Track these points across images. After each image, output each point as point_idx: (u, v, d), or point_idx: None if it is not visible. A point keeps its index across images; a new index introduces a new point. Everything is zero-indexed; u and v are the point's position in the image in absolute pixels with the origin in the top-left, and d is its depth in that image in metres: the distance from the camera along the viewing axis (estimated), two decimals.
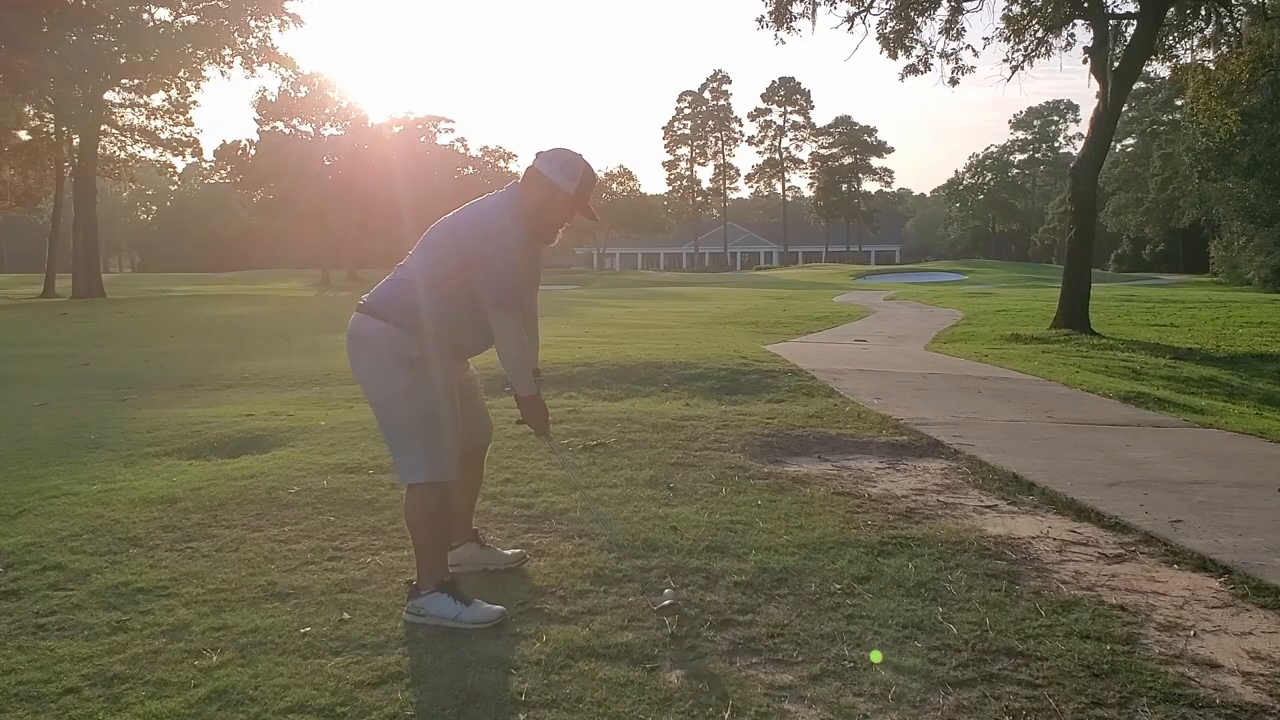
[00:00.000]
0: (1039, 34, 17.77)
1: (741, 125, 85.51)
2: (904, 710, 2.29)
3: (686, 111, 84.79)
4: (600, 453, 4.93)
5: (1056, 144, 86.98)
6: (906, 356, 10.73)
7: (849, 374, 8.29)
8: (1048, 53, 17.99)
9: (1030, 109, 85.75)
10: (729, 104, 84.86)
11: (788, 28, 17.70)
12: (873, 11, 17.66)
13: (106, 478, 4.59)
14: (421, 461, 2.85)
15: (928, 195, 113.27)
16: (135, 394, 7.71)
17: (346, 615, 2.86)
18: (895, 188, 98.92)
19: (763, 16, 17.77)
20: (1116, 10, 17.31)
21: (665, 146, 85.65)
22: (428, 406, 2.86)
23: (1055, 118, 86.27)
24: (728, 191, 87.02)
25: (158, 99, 34.62)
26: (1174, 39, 17.84)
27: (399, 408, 2.87)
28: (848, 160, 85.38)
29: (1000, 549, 3.47)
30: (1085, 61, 16.04)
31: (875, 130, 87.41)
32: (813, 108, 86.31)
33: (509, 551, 3.32)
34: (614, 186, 66.20)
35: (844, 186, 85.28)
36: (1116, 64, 15.48)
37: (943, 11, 17.66)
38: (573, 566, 3.23)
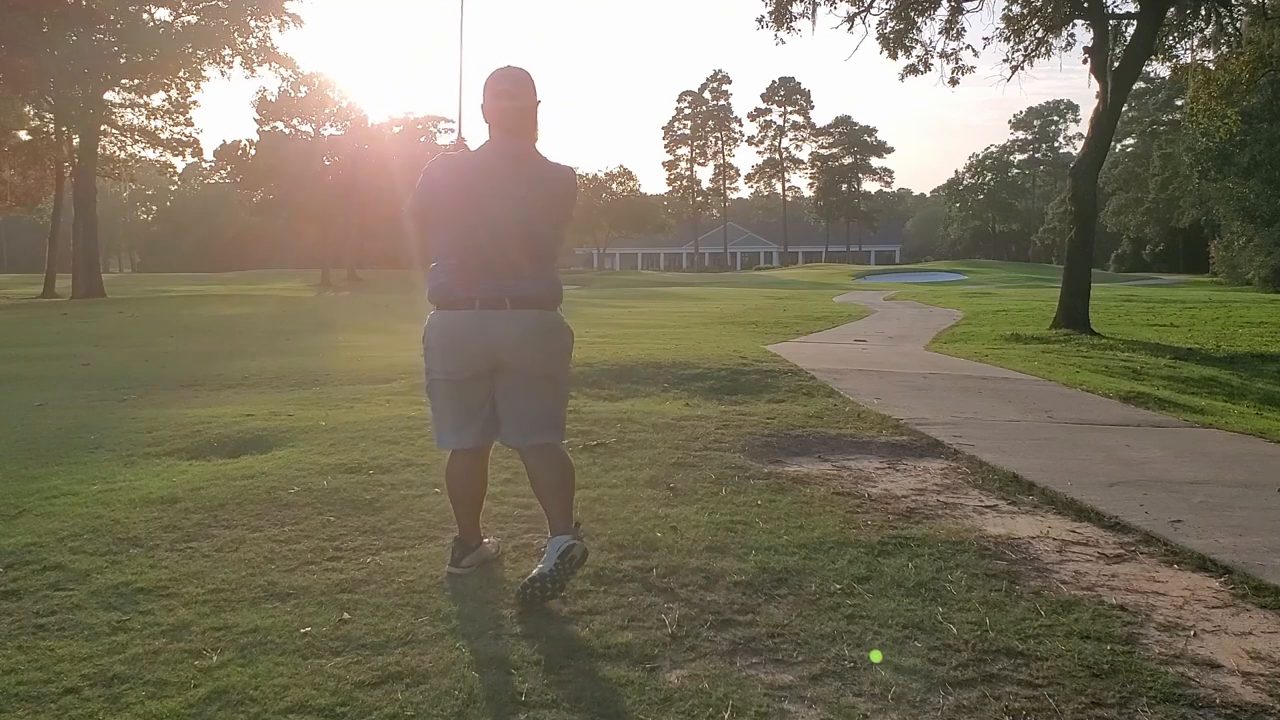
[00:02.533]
0: (1039, 34, 17.77)
1: (741, 125, 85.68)
2: (904, 710, 2.29)
3: (686, 111, 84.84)
4: (600, 453, 4.93)
5: (1056, 144, 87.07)
6: (906, 356, 10.73)
7: (849, 374, 8.29)
8: (1048, 53, 18.01)
9: (1030, 109, 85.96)
10: (729, 104, 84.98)
11: (788, 28, 17.72)
12: (873, 11, 17.67)
13: (106, 478, 4.58)
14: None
15: (928, 195, 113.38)
16: (135, 394, 7.71)
17: (346, 615, 2.85)
18: (895, 188, 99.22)
19: (763, 16, 17.78)
20: (1116, 10, 17.33)
21: (665, 146, 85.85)
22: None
23: (1055, 118, 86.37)
24: (728, 191, 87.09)
25: (158, 99, 34.60)
26: (1174, 39, 17.84)
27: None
28: (848, 160, 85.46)
29: (1000, 549, 3.47)
30: (1085, 61, 16.05)
31: (875, 130, 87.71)
32: (813, 108, 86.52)
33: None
34: (614, 186, 66.17)
35: (844, 186, 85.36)
36: (1116, 64, 15.48)
37: (943, 11, 17.68)
38: None
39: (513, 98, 2.98)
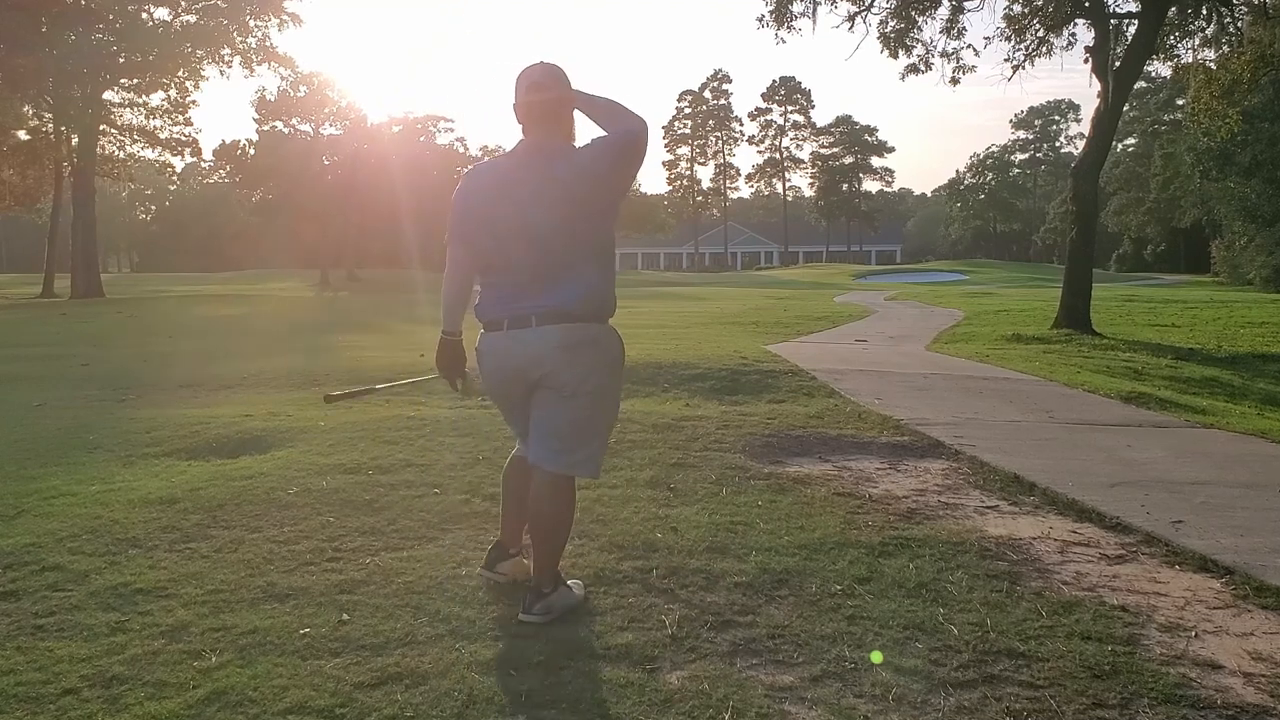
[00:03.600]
0: (1040, 33, 17.78)
1: (742, 125, 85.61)
2: (905, 711, 2.28)
3: (687, 111, 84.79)
4: None
5: (1058, 143, 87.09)
6: (907, 356, 10.72)
7: (850, 374, 8.28)
8: (1049, 52, 18.03)
9: (1031, 108, 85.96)
10: (729, 103, 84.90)
11: (788, 27, 17.76)
12: (873, 11, 17.69)
13: (105, 478, 4.58)
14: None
15: (929, 195, 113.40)
16: (134, 394, 7.71)
17: (346, 616, 2.85)
18: (896, 187, 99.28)
19: (763, 16, 17.83)
20: (1118, 10, 17.34)
21: (665, 146, 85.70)
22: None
23: (1056, 117, 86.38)
24: (728, 191, 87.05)
25: (157, 99, 34.60)
26: (1175, 38, 17.85)
27: None
28: (848, 160, 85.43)
29: (1001, 550, 3.47)
30: (1086, 61, 16.06)
31: (876, 130, 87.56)
32: (813, 107, 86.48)
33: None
34: None
35: (844, 186, 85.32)
36: (1118, 63, 15.48)
37: (943, 11, 17.70)
38: (573, 567, 3.22)
39: (543, 89, 2.83)
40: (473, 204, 2.89)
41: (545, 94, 2.84)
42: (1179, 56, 18.31)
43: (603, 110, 2.90)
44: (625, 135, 2.83)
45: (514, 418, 3.01)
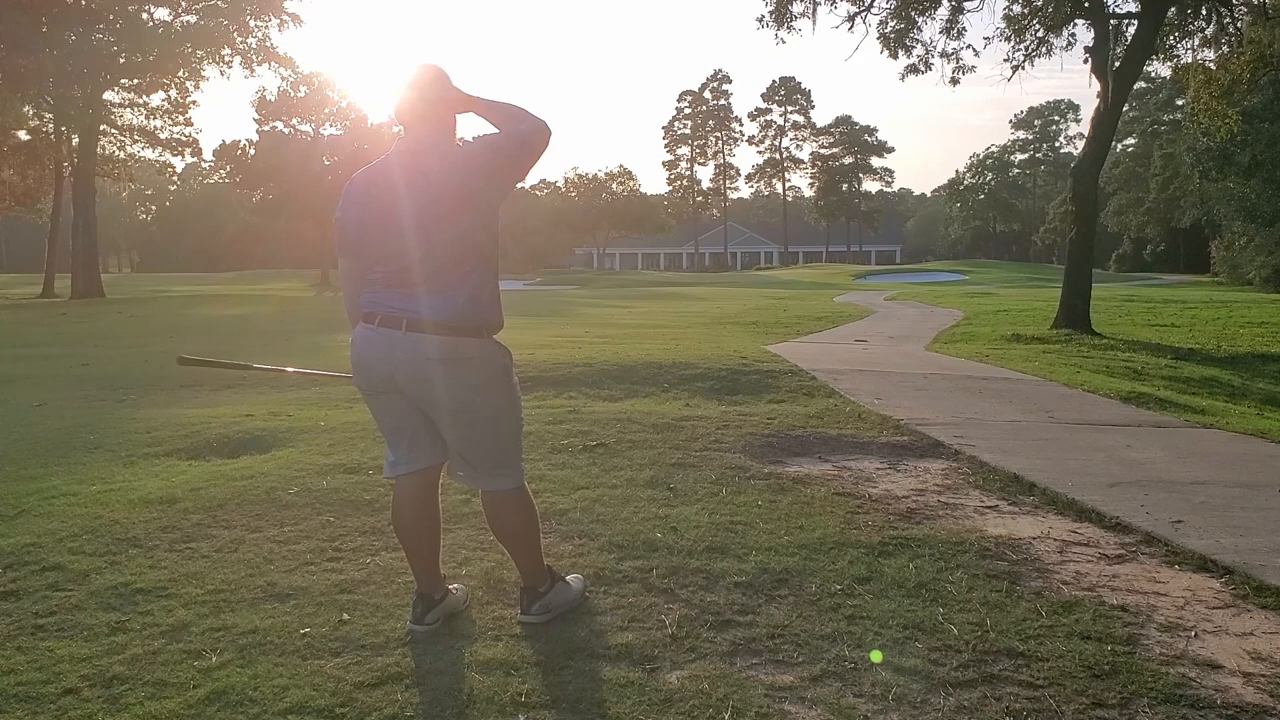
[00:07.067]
0: (1040, 34, 17.79)
1: (742, 125, 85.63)
2: (904, 711, 2.29)
3: (686, 111, 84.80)
4: (600, 453, 4.92)
5: (1057, 144, 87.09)
6: (907, 357, 10.73)
7: (849, 374, 8.29)
8: (1048, 52, 18.04)
9: (1031, 109, 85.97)
10: (729, 104, 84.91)
11: (788, 27, 17.76)
12: (873, 11, 17.69)
13: (106, 478, 4.58)
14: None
15: (928, 195, 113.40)
16: (135, 394, 7.71)
17: (346, 616, 2.85)
18: (896, 188, 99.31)
19: (763, 16, 17.82)
20: (1117, 10, 17.34)
21: (665, 146, 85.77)
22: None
23: (1056, 117, 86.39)
24: (728, 191, 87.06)
25: (157, 99, 34.65)
26: (1175, 38, 17.85)
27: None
28: (848, 160, 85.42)
29: (1001, 549, 3.47)
30: (1086, 61, 16.06)
31: (875, 130, 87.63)
32: (813, 107, 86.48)
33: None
34: (614, 186, 66.14)
35: (844, 186, 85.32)
36: (1117, 64, 15.49)
37: (943, 11, 17.70)
38: (572, 567, 3.23)
39: (419, 89, 2.73)
40: (350, 211, 2.78)
41: (421, 93, 2.73)
42: (1179, 57, 18.33)
43: (499, 113, 2.78)
44: (512, 134, 2.72)
45: (381, 417, 2.84)
